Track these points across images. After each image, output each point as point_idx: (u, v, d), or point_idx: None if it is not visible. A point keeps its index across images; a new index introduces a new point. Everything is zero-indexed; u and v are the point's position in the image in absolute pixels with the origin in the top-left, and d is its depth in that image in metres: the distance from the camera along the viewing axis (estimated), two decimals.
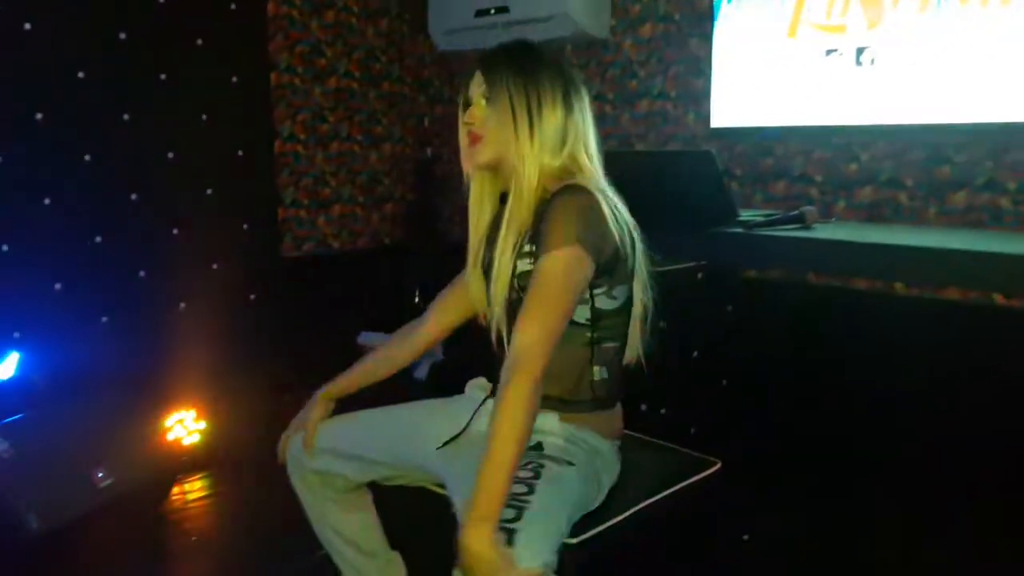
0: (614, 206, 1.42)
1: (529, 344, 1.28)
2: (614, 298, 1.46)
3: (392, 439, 1.61)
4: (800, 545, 2.14)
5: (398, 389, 1.77)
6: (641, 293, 1.52)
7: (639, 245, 1.49)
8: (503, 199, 1.49)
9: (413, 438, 1.58)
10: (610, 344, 1.48)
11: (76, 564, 2.11)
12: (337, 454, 1.63)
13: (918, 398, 2.34)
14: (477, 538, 1.16)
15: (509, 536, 1.18)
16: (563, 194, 1.38)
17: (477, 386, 1.64)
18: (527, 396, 1.25)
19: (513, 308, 1.39)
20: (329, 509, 1.68)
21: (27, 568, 2.03)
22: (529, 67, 1.44)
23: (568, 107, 1.45)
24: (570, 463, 1.40)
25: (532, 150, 1.42)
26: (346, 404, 1.71)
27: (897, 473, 2.34)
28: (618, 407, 1.56)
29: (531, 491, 1.29)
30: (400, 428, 1.62)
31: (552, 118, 1.43)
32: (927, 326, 2.35)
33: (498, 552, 1.15)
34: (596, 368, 1.47)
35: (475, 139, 1.46)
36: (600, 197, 1.40)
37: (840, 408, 2.52)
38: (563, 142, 1.45)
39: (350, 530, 1.70)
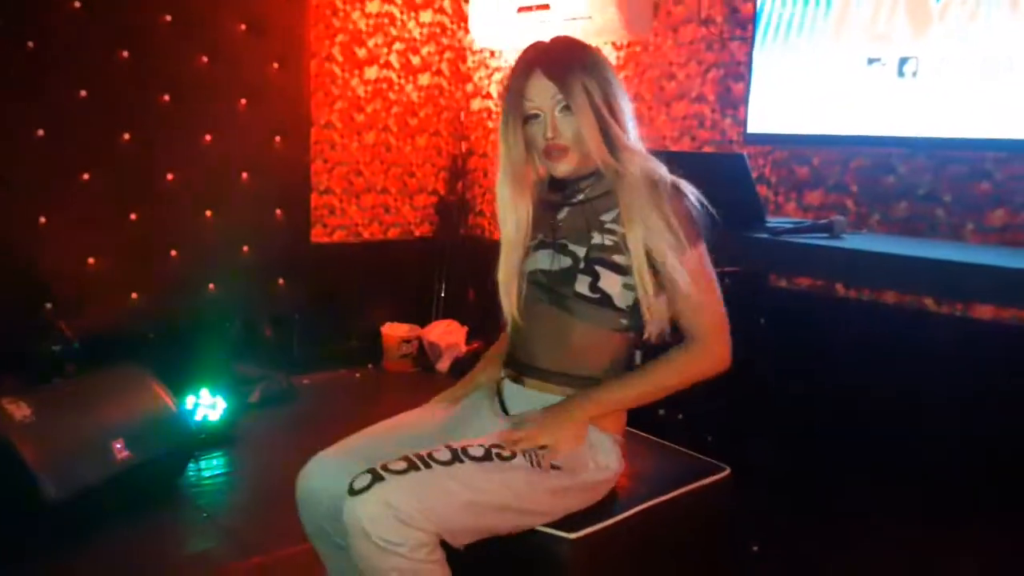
0: None
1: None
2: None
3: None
4: (811, 560, 2.10)
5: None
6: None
7: None
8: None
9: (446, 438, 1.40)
10: (635, 332, 1.47)
11: (88, 533, 2.14)
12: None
13: (942, 416, 2.28)
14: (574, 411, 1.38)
15: (381, 470, 1.21)
16: (672, 189, 1.41)
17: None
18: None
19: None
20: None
21: (41, 534, 2.06)
22: (589, 61, 1.40)
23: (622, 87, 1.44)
24: (511, 456, 1.31)
25: (630, 145, 1.40)
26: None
27: (919, 492, 2.28)
28: None
29: (449, 463, 1.26)
30: (425, 434, 1.47)
31: (624, 106, 1.42)
32: (957, 344, 2.28)
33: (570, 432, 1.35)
34: (638, 353, 1.48)
35: (562, 152, 1.42)
36: None
37: (863, 425, 2.47)
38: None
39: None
